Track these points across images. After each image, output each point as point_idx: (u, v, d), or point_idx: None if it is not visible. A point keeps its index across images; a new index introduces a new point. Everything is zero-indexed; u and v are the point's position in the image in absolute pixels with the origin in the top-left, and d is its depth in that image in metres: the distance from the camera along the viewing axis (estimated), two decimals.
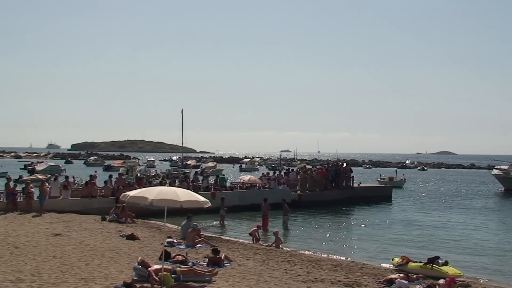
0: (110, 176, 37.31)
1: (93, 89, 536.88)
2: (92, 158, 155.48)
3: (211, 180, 41.35)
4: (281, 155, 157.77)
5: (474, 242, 27.45)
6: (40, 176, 59.28)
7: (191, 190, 18.81)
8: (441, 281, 15.34)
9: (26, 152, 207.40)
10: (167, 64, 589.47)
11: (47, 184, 31.55)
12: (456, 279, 15.47)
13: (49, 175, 60.79)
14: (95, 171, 56.36)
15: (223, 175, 45.91)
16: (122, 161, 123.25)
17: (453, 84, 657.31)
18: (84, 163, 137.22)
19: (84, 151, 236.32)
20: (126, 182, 37.38)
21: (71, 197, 32.00)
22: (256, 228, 25.05)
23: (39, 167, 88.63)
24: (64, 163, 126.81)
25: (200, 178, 42.52)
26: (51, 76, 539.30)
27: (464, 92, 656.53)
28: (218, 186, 39.54)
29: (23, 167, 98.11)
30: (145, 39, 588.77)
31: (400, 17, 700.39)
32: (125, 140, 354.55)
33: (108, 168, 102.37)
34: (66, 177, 36.02)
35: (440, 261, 17.92)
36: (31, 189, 30.12)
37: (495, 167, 70.64)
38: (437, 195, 59.45)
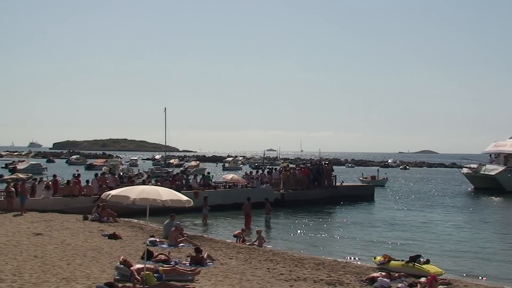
0: (96, 175, 37.10)
1: (75, 88, 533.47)
2: (74, 157, 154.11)
3: (199, 178, 41.15)
4: (264, 153, 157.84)
5: (454, 241, 27.69)
6: (21, 175, 58.80)
7: (173, 189, 18.77)
8: (423, 279, 15.45)
9: (7, 151, 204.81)
10: (150, 63, 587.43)
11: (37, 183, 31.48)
12: (437, 277, 15.59)
13: (31, 174, 60.39)
14: (77, 170, 56.03)
15: (209, 172, 45.66)
16: (105, 160, 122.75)
17: (435, 84, 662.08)
18: (66, 162, 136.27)
19: (66, 150, 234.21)
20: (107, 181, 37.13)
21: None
22: (240, 231, 24.96)
23: (20, 166, 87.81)
24: (46, 162, 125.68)
25: (191, 177, 42.41)
26: (32, 75, 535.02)
27: (446, 92, 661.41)
28: (206, 184, 39.67)
29: (4, 166, 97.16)
30: (128, 38, 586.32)
31: (381, 17, 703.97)
32: (107, 139, 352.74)
33: (90, 167, 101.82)
34: (54, 176, 35.72)
35: (421, 259, 18.05)
36: (12, 188, 29.86)
37: (464, 166, 71.27)
38: (419, 194, 59.80)
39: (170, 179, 39.46)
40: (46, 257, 16.43)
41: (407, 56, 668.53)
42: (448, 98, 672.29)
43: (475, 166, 67.20)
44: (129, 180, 38.14)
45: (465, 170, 68.79)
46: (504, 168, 62.09)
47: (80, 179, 34.72)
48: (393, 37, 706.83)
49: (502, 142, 66.65)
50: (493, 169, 62.70)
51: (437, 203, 49.52)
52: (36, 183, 33.20)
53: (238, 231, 24.97)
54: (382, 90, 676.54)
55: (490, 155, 68.18)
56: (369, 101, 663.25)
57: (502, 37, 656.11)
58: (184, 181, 39.50)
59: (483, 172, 63.64)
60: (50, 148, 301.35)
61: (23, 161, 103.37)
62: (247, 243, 23.46)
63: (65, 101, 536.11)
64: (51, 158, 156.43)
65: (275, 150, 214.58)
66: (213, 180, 42.65)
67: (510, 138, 66.35)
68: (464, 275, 18.97)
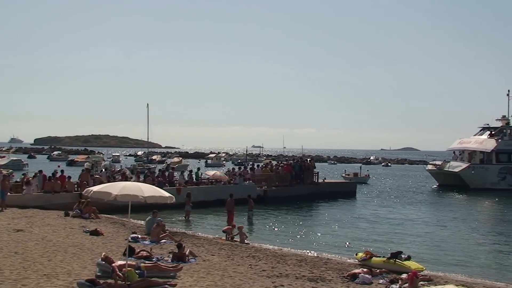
0: (83, 171, 36.95)
1: (57, 83, 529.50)
2: (55, 153, 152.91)
3: (186, 175, 41.11)
4: (247, 150, 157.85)
5: (434, 237, 27.99)
6: (4, 171, 58.17)
7: (155, 185, 18.72)
8: (404, 275, 15.55)
9: None
10: (133, 59, 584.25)
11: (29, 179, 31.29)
12: (418, 273, 15.67)
13: (11, 170, 59.81)
14: (58, 166, 55.56)
15: (199, 168, 45.47)
16: (86, 156, 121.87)
17: (417, 81, 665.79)
18: (47, 158, 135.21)
19: (47, 146, 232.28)
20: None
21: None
22: (230, 227, 24.90)
23: (0, 162, 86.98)
24: (27, 158, 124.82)
25: (177, 174, 42.39)
26: (14, 69, 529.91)
27: (427, 89, 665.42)
28: (195, 180, 39.81)
29: None
30: (110, 34, 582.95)
31: (362, 15, 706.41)
32: (89, 135, 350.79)
33: (72, 163, 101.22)
34: (41, 172, 35.48)
35: (402, 255, 18.15)
36: None
37: (430, 162, 71.66)
38: (399, 191, 60.18)
39: (161, 175, 39.35)
40: (27, 254, 16.30)
41: (389, 54, 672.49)
42: (430, 96, 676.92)
43: (439, 163, 67.57)
44: (122, 176, 38.13)
45: (429, 167, 69.19)
46: (467, 165, 62.32)
47: (64, 175, 34.50)
48: (376, 35, 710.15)
49: (467, 139, 66.83)
50: (457, 166, 62.97)
51: (417, 199, 50.02)
52: (31, 178, 33.09)
53: (227, 227, 24.90)
54: (364, 87, 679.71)
55: (454, 152, 68.45)
56: (352, 98, 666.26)
57: (484, 35, 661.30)
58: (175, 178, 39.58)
59: (447, 169, 63.91)
60: (31, 144, 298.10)
61: (4, 156, 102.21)
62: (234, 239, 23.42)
63: (46, 96, 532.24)
64: (32, 154, 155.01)
65: (263, 147, 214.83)
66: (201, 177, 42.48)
67: (474, 135, 66.65)
68: (446, 272, 19.13)
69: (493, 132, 64.26)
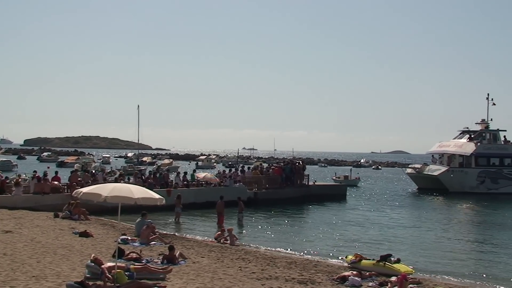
0: (73, 172, 36.90)
1: (47, 84, 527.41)
2: (45, 154, 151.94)
3: (181, 176, 41.10)
4: (238, 152, 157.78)
5: (423, 240, 28.09)
6: None
7: (145, 187, 18.68)
8: (393, 278, 15.59)
9: None
10: (124, 61, 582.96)
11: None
12: (408, 276, 15.74)
13: (0, 171, 59.45)
14: (48, 167, 55.32)
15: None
16: (76, 157, 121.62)
17: (407, 85, 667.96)
18: (37, 159, 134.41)
19: (37, 147, 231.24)
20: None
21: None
22: (220, 233, 24.84)
23: None
24: (17, 158, 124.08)
25: (173, 176, 42.46)
26: (3, 71, 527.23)
27: (417, 92, 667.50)
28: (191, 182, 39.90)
29: None
30: (101, 36, 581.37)
31: (352, 17, 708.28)
32: (79, 136, 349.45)
33: (61, 164, 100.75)
34: (35, 172, 35.42)
35: (392, 258, 18.21)
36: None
37: (409, 165, 71.47)
38: (390, 194, 60.28)
39: (151, 177, 39.36)
40: (16, 255, 16.23)
41: (380, 58, 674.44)
42: (420, 99, 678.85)
43: (419, 166, 67.49)
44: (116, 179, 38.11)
45: (408, 170, 69.09)
46: (446, 168, 62.15)
47: (59, 175, 34.53)
48: (365, 38, 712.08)
49: (446, 142, 66.60)
50: (436, 170, 62.83)
51: (406, 203, 50.20)
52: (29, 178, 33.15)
53: (218, 233, 24.78)
54: (355, 90, 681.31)
55: (433, 156, 68.40)
56: (343, 102, 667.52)
57: (473, 37, 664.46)
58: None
59: (426, 173, 63.82)
60: (21, 145, 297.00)
61: None
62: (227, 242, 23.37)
63: (36, 97, 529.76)
64: (22, 155, 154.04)
65: (256, 149, 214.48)
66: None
67: (454, 139, 66.51)
68: (434, 275, 19.20)
69: (472, 136, 63.96)
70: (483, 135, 64.29)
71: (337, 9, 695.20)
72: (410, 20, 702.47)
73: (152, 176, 39.83)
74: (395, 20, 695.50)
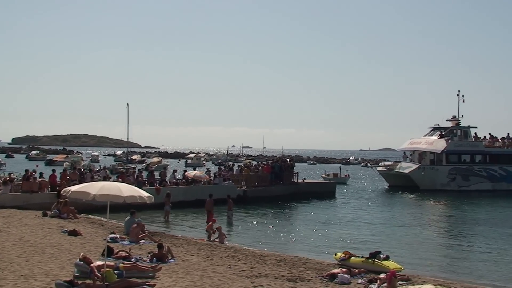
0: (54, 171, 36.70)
1: (35, 82, 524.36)
2: (34, 152, 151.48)
3: (179, 175, 41.28)
4: (227, 150, 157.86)
5: (411, 237, 28.23)
6: None
7: (135, 186, 18.65)
8: (382, 275, 15.64)
9: None
10: (113, 58, 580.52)
11: None
12: (397, 273, 15.79)
13: None
14: (37, 166, 55.05)
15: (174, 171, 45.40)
16: (65, 155, 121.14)
17: (396, 82, 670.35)
18: (26, 158, 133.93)
19: (25, 145, 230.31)
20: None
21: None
22: (211, 223, 24.85)
23: None
24: (5, 157, 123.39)
25: (169, 174, 42.61)
26: None
27: (405, 90, 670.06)
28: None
29: None
30: (89, 32, 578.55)
31: (341, 13, 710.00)
32: (68, 134, 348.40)
33: (50, 163, 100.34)
34: (27, 171, 35.21)
35: (381, 255, 18.26)
36: None
37: (380, 163, 71.06)
38: (378, 191, 60.44)
39: (139, 174, 39.46)
40: (4, 254, 16.16)
41: (368, 54, 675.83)
42: (408, 97, 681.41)
43: (390, 163, 66.99)
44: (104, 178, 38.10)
45: (379, 168, 68.43)
46: (418, 166, 61.56)
47: (55, 174, 34.43)
48: (353, 34, 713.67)
49: (417, 139, 65.79)
50: (407, 167, 62.11)
51: (394, 200, 50.28)
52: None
53: (209, 225, 24.86)
54: (344, 88, 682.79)
55: (405, 153, 67.78)
56: (331, 99, 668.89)
57: (457, 33, 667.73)
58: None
59: (397, 170, 63.11)
60: (9, 143, 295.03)
61: None
62: (205, 240, 23.40)
63: (24, 95, 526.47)
64: (10, 153, 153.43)
65: (251, 147, 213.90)
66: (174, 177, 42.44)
67: (425, 136, 65.69)
68: (423, 271, 19.30)
69: (443, 133, 63.29)
70: (454, 132, 63.48)
71: (327, 6, 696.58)
72: (403, 18, 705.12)
73: (139, 173, 39.92)
74: (386, 18, 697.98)
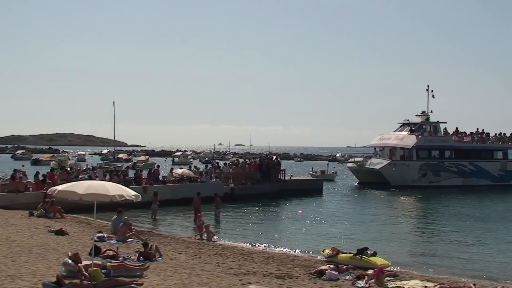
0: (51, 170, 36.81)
1: (19, 80, 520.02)
2: (19, 152, 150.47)
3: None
4: (214, 148, 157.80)
5: (398, 233, 28.39)
6: None
7: (122, 184, 18.59)
8: (370, 271, 15.75)
9: None
10: (98, 56, 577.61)
11: None
12: (384, 269, 15.90)
13: None
14: (23, 165, 54.71)
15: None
16: (51, 155, 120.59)
17: (382, 78, 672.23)
18: (11, 157, 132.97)
19: (10, 145, 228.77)
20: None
21: None
22: (197, 218, 24.88)
23: None
24: None
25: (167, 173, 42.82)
26: None
27: (391, 86, 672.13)
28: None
29: None
30: (73, 29, 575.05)
31: (330, 9, 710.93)
32: (54, 133, 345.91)
33: (36, 162, 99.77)
34: (15, 171, 35.06)
35: (369, 252, 18.37)
36: None
37: (350, 159, 70.57)
38: (364, 188, 60.56)
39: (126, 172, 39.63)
40: None
41: (355, 50, 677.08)
42: (393, 93, 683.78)
43: (360, 159, 66.17)
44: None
45: (350, 164, 67.57)
46: (388, 162, 61.06)
47: (54, 173, 34.42)
48: (341, 30, 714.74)
49: (387, 135, 65.29)
50: (378, 163, 61.59)
51: (371, 197, 50.80)
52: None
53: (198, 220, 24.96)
54: (330, 84, 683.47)
55: (375, 149, 67.31)
56: (318, 96, 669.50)
57: (446, 28, 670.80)
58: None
59: (368, 166, 62.63)
60: None
61: None
62: (194, 237, 23.41)
63: (9, 94, 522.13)
64: None
65: (244, 145, 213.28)
66: (161, 176, 42.42)
67: (395, 131, 65.14)
68: (410, 267, 19.40)
69: (413, 128, 62.66)
70: (424, 127, 63.00)
71: (322, 4, 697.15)
72: (394, 16, 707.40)
73: (126, 172, 39.95)
74: (381, 15, 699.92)
